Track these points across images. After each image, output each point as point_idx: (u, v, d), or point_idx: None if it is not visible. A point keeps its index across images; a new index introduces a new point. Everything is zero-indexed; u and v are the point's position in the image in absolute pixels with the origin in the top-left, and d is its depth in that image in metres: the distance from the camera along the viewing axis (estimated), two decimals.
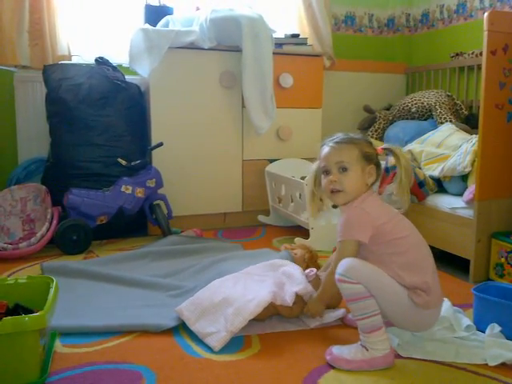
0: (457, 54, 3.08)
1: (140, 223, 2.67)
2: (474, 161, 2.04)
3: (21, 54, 2.66)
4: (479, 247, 1.95)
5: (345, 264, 1.30)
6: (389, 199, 2.26)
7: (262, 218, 2.90)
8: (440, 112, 2.79)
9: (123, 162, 2.47)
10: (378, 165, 1.41)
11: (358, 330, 1.32)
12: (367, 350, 1.28)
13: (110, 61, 2.73)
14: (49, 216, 2.33)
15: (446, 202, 2.14)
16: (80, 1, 2.86)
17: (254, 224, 2.90)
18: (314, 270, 1.63)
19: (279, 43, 2.88)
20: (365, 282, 1.27)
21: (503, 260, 1.88)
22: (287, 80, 2.86)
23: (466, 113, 2.88)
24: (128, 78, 2.71)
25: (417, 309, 1.30)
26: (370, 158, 1.39)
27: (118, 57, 2.89)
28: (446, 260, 2.14)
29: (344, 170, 1.37)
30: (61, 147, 2.48)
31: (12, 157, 2.84)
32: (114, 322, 1.52)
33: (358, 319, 1.29)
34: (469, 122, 2.75)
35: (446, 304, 1.50)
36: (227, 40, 2.70)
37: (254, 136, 2.81)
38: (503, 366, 1.29)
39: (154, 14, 2.81)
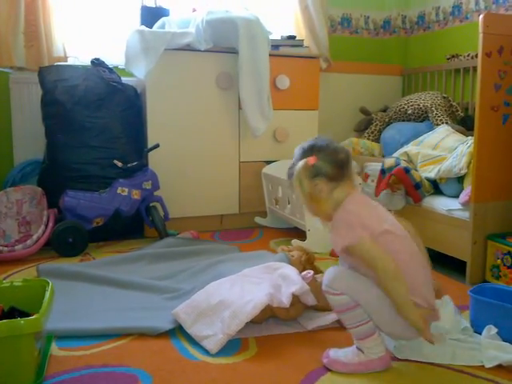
0: (453, 56, 3.09)
1: (136, 225, 2.66)
2: (469, 162, 2.05)
3: (16, 56, 2.65)
4: (475, 249, 1.95)
5: (329, 275, 1.27)
6: (387, 199, 2.28)
7: (258, 220, 2.89)
8: (436, 114, 2.80)
9: (119, 164, 2.46)
10: (326, 174, 1.26)
11: None
12: (363, 352, 1.28)
13: (106, 62, 2.72)
14: (45, 218, 2.32)
15: (442, 204, 2.14)
16: (76, 2, 2.86)
17: (251, 226, 2.90)
18: (311, 272, 1.63)
19: (276, 45, 2.88)
20: (350, 293, 1.23)
21: (499, 262, 1.89)
22: (284, 82, 2.86)
23: (461, 114, 2.89)
24: (124, 79, 2.71)
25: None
26: (310, 176, 1.26)
27: (114, 58, 2.88)
28: (443, 261, 2.14)
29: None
30: (57, 149, 2.47)
31: (8, 159, 2.82)
32: (110, 324, 1.51)
33: (350, 328, 1.28)
34: (465, 124, 2.76)
35: (450, 304, 1.50)
36: (223, 42, 2.70)
37: (251, 138, 2.80)
38: (499, 367, 1.29)
39: (150, 16, 2.80)
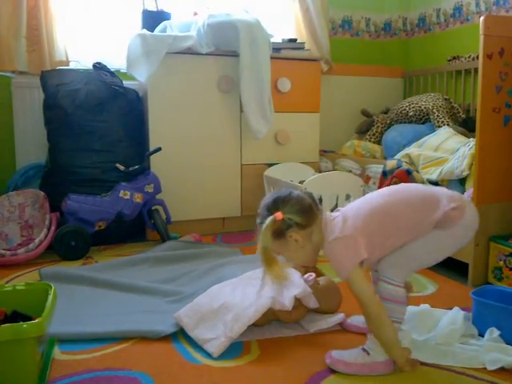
0: (454, 58, 3.09)
1: (138, 229, 2.67)
2: (471, 164, 2.05)
3: (18, 60, 2.66)
4: (478, 251, 1.95)
5: (387, 267, 1.29)
6: None
7: None
8: (437, 115, 2.80)
9: (121, 168, 2.47)
10: (298, 224, 1.29)
11: (362, 332, 1.31)
12: (368, 354, 1.27)
13: (108, 66, 2.73)
14: (47, 222, 2.33)
15: None
16: (78, 6, 2.87)
17: (253, 229, 2.87)
18: (313, 274, 1.63)
19: (277, 48, 2.89)
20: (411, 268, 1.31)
21: (502, 263, 1.88)
22: (285, 84, 2.87)
23: (463, 116, 2.89)
24: (126, 83, 2.71)
25: (462, 223, 1.29)
26: (282, 231, 1.30)
27: (116, 62, 2.89)
28: (445, 264, 2.12)
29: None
30: (59, 153, 2.48)
31: (10, 163, 2.83)
32: (112, 328, 1.51)
33: None
34: (466, 126, 2.75)
35: (460, 313, 1.50)
36: (225, 45, 2.70)
37: (253, 140, 2.81)
38: (502, 370, 1.28)
39: (152, 20, 2.81)
